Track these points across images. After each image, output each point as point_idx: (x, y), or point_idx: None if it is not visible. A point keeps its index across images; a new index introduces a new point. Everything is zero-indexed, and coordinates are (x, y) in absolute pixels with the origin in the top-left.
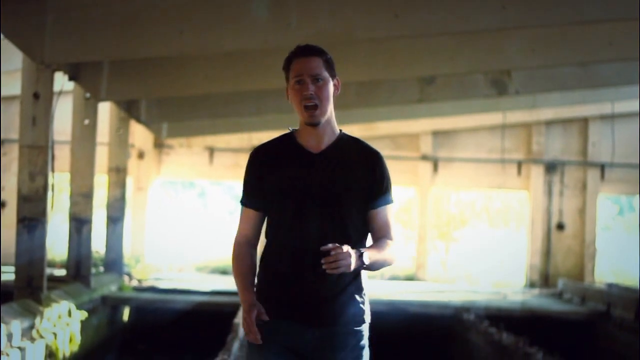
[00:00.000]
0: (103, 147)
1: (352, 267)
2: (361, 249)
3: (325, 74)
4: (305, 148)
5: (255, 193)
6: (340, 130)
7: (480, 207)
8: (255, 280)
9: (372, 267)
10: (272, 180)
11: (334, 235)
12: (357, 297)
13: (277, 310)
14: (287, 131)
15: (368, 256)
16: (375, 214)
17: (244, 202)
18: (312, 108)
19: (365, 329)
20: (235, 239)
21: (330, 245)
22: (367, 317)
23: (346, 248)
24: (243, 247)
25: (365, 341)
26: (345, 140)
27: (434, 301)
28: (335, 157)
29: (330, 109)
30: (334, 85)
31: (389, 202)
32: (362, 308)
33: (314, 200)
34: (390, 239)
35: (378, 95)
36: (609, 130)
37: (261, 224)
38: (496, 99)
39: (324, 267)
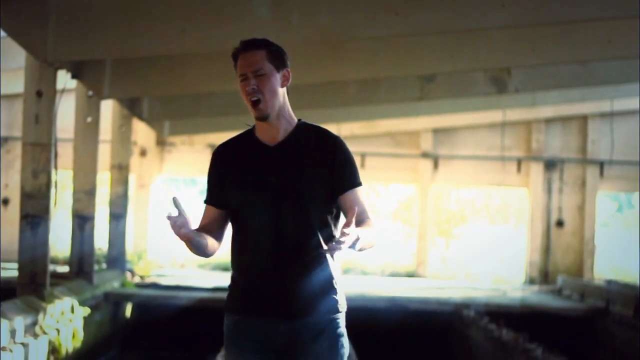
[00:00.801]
0: (106, 144)
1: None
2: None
3: (268, 67)
4: (262, 142)
5: (217, 191)
6: (299, 120)
7: (480, 204)
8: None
9: (364, 244)
10: (231, 177)
11: (297, 225)
12: (329, 287)
13: (248, 307)
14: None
15: (360, 234)
16: (346, 198)
17: (206, 199)
18: (256, 103)
19: (340, 317)
20: None
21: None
22: (342, 307)
23: (350, 230)
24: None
25: (342, 330)
26: (303, 130)
27: (434, 298)
28: (292, 148)
29: (280, 100)
30: (284, 76)
31: (357, 184)
32: (335, 298)
33: (273, 193)
34: (370, 217)
35: (378, 93)
36: (608, 128)
37: (223, 222)
38: (496, 97)
39: (326, 248)
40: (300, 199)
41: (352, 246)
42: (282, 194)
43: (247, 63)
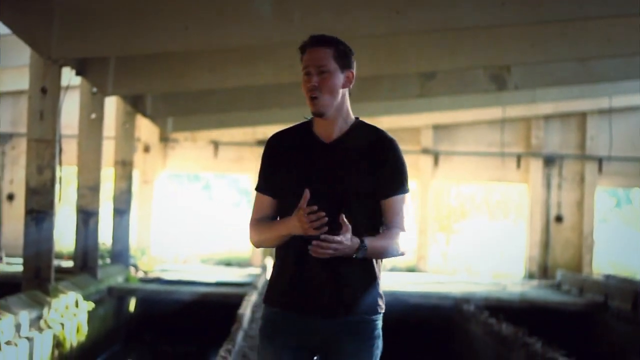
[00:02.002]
0: (110, 141)
1: (348, 252)
2: (364, 238)
3: (333, 66)
4: (318, 137)
5: (269, 180)
6: (357, 118)
7: (480, 200)
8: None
9: (373, 255)
10: (284, 169)
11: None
12: (371, 287)
13: (289, 301)
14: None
15: (368, 244)
16: (387, 203)
17: (258, 187)
18: (315, 99)
19: (379, 318)
20: (249, 223)
21: (324, 236)
22: (382, 308)
23: (340, 238)
24: (257, 220)
25: (379, 331)
26: (359, 129)
27: (434, 292)
28: (347, 146)
29: (338, 100)
30: (347, 77)
31: (403, 191)
32: (375, 298)
33: (323, 189)
34: (402, 229)
35: (380, 90)
36: (606, 125)
37: (275, 210)
38: (496, 94)
39: (309, 249)
40: (348, 197)
41: (358, 254)
42: (330, 191)
43: (312, 58)
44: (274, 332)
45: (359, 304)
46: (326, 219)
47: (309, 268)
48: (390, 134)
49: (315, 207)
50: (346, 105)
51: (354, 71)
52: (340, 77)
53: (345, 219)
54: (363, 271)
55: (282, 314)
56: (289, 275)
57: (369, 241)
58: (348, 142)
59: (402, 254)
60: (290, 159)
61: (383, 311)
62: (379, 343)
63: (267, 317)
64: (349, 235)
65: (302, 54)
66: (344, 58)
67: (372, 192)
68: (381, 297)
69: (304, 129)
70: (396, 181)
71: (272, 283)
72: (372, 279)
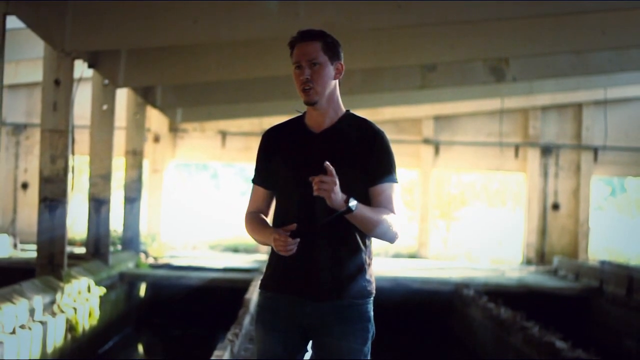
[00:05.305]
0: (121, 131)
1: (333, 199)
2: (351, 198)
3: (323, 58)
4: (309, 128)
5: (263, 172)
6: (347, 110)
7: (480, 188)
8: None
9: (361, 221)
10: (277, 160)
11: (330, 210)
12: (359, 272)
13: (279, 285)
14: (298, 114)
15: (358, 205)
16: (376, 191)
17: (254, 180)
18: (307, 91)
19: (369, 302)
20: (245, 215)
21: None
22: (372, 292)
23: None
24: (251, 214)
25: (369, 314)
26: (349, 120)
27: (435, 278)
28: (336, 136)
29: (330, 90)
30: (336, 68)
31: (391, 180)
32: (364, 283)
33: (311, 177)
34: (393, 212)
35: (382, 82)
36: (601, 115)
37: (270, 201)
38: (494, 86)
39: (314, 183)
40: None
41: (346, 208)
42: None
43: (303, 52)
44: (266, 316)
45: (345, 288)
46: (294, 247)
47: (297, 253)
48: (392, 125)
49: (289, 240)
50: (336, 96)
51: (343, 62)
52: (330, 69)
53: (329, 165)
54: (350, 256)
55: (273, 298)
56: (279, 261)
57: (360, 205)
58: (337, 131)
59: (395, 237)
60: (283, 150)
61: (373, 295)
62: (370, 326)
63: (260, 303)
64: (336, 180)
65: (291, 50)
66: (332, 50)
67: (360, 180)
68: (370, 282)
69: (297, 121)
70: (384, 170)
71: (266, 268)
72: (359, 263)
